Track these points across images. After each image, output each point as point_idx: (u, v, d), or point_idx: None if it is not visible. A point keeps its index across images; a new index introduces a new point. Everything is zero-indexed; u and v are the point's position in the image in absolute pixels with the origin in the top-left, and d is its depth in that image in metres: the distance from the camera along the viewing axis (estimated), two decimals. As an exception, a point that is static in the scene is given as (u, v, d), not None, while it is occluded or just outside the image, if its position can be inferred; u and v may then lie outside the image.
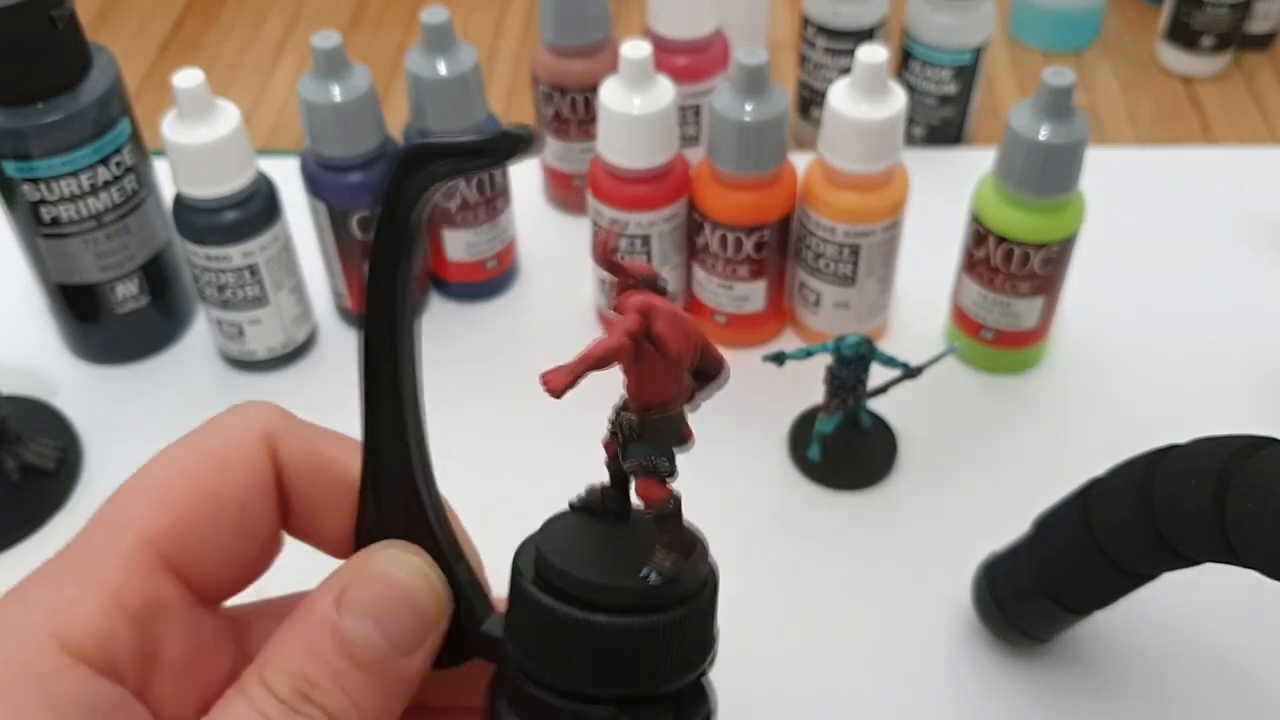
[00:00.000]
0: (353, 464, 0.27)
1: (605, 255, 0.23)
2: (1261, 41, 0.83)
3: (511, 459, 0.54)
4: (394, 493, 0.26)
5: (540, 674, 0.25)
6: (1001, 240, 0.53)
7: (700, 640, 0.25)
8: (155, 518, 0.25)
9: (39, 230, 0.54)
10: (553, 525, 0.26)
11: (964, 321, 0.58)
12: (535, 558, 0.25)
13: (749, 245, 0.55)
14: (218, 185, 0.53)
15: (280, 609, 0.29)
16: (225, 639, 0.27)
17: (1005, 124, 0.52)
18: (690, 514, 0.26)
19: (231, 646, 0.27)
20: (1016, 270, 0.54)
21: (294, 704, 0.23)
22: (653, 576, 0.24)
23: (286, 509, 0.28)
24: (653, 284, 0.23)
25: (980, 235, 0.54)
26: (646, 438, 0.24)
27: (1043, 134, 0.50)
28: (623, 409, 0.24)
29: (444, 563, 0.26)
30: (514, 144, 0.22)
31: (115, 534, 0.25)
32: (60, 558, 0.25)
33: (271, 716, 0.23)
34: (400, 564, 0.25)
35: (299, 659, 0.24)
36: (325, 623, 0.24)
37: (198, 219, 0.54)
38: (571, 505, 0.26)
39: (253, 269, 0.55)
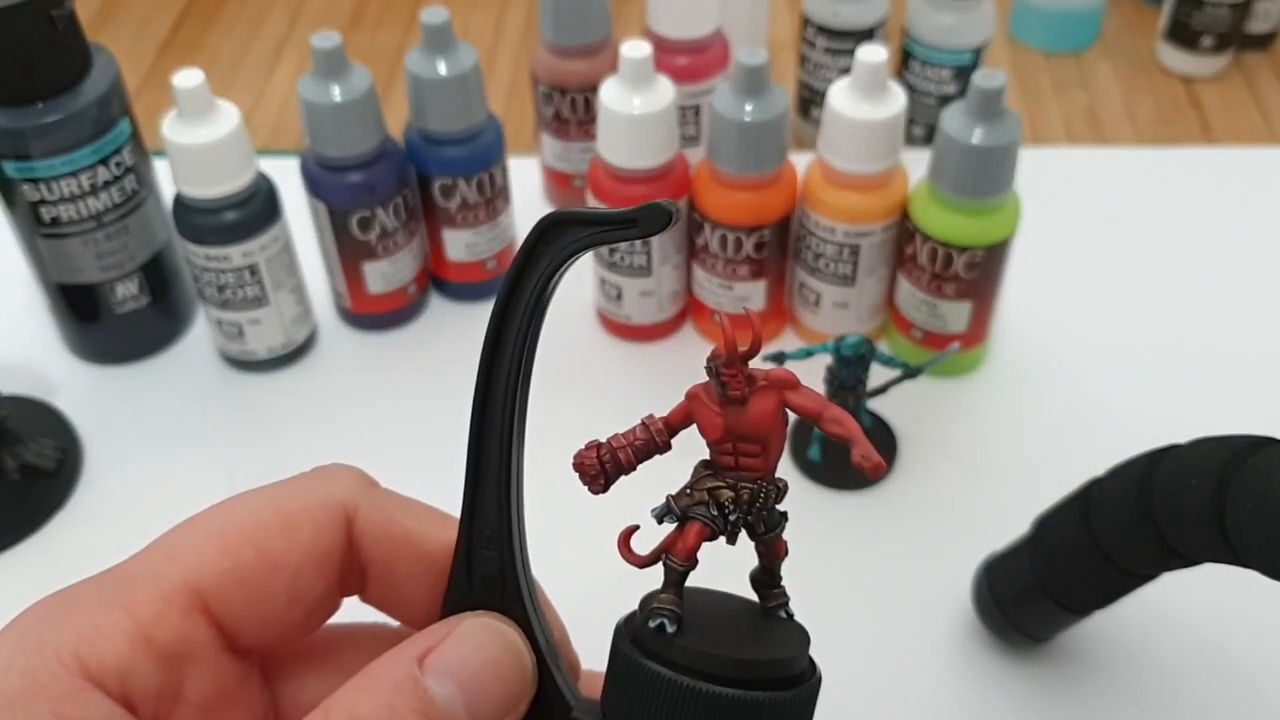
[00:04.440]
0: (435, 536, 0.27)
1: (735, 354, 0.23)
2: (1261, 41, 0.83)
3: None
4: (489, 568, 0.25)
5: None
6: (927, 240, 0.53)
7: None
8: (206, 562, 0.25)
9: (39, 230, 0.54)
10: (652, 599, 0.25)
11: (897, 318, 0.58)
12: (648, 631, 0.24)
13: (749, 245, 0.55)
14: (218, 185, 0.53)
15: (310, 655, 0.28)
16: (254, 686, 0.26)
17: (938, 126, 0.52)
18: (728, 559, 0.26)
19: (260, 694, 0.27)
20: (941, 271, 0.54)
21: None
22: (782, 612, 0.25)
23: (363, 578, 0.27)
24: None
25: (909, 232, 0.55)
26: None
27: (975, 137, 0.50)
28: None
29: (535, 644, 0.25)
30: (662, 217, 0.22)
31: (161, 567, 0.24)
32: (103, 578, 0.24)
33: None
34: (492, 633, 0.24)
35: (371, 708, 0.23)
36: (407, 677, 0.23)
37: (198, 219, 0.54)
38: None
39: (253, 269, 0.55)
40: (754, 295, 0.57)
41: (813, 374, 0.52)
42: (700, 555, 0.24)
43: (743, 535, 0.25)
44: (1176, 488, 0.36)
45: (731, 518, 0.24)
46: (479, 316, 0.63)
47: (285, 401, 0.58)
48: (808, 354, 0.51)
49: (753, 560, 0.26)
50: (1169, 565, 0.38)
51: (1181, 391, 0.57)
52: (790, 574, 0.27)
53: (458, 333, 0.61)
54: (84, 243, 0.55)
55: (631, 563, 0.24)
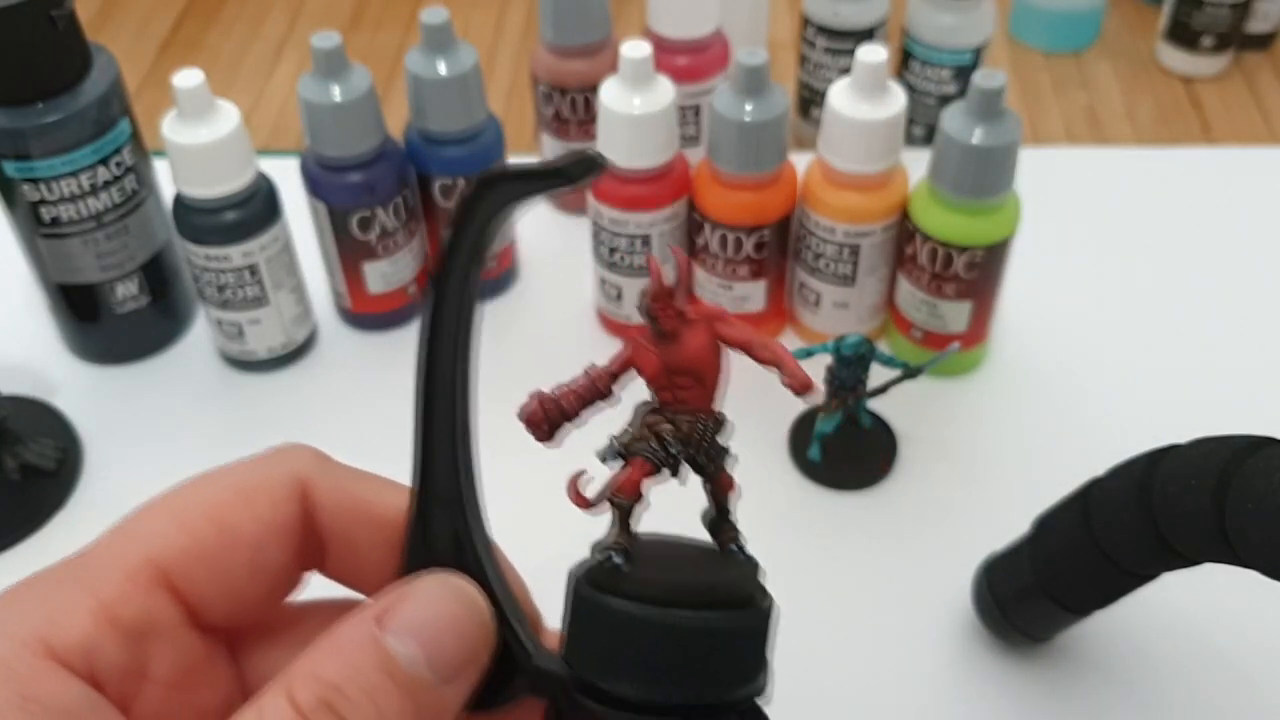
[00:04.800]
0: (390, 504, 0.27)
1: (663, 294, 0.24)
2: (1261, 41, 0.83)
3: (510, 457, 0.54)
4: (444, 529, 0.26)
5: (606, 686, 0.24)
6: (927, 240, 0.53)
7: (762, 650, 0.25)
8: (167, 538, 0.25)
9: (39, 230, 0.54)
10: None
11: (897, 318, 0.58)
12: (601, 568, 0.25)
13: (749, 245, 0.55)
14: (218, 185, 0.53)
15: (276, 630, 0.28)
16: (220, 663, 0.27)
17: (938, 126, 0.52)
18: (688, 514, 0.26)
19: (227, 672, 0.27)
20: (941, 271, 0.54)
21: (316, 715, 0.22)
22: (734, 548, 0.25)
23: (323, 552, 0.27)
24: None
25: (909, 232, 0.55)
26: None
27: (975, 137, 0.50)
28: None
29: (493, 600, 0.25)
30: (587, 166, 0.23)
31: (123, 547, 0.25)
32: (66, 563, 0.25)
33: None
34: (449, 588, 0.25)
35: (333, 668, 0.23)
36: (367, 637, 0.23)
37: (198, 219, 0.54)
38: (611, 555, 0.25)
39: (253, 269, 0.55)
40: (754, 295, 0.57)
41: (813, 374, 0.52)
42: (662, 525, 0.25)
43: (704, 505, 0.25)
44: (1176, 488, 0.36)
45: (673, 450, 0.24)
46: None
47: (285, 401, 0.58)
48: (808, 354, 0.51)
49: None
50: (1169, 565, 0.38)
51: (1182, 391, 0.57)
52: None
53: (458, 333, 0.61)
54: (84, 243, 0.55)
55: (580, 506, 0.25)
